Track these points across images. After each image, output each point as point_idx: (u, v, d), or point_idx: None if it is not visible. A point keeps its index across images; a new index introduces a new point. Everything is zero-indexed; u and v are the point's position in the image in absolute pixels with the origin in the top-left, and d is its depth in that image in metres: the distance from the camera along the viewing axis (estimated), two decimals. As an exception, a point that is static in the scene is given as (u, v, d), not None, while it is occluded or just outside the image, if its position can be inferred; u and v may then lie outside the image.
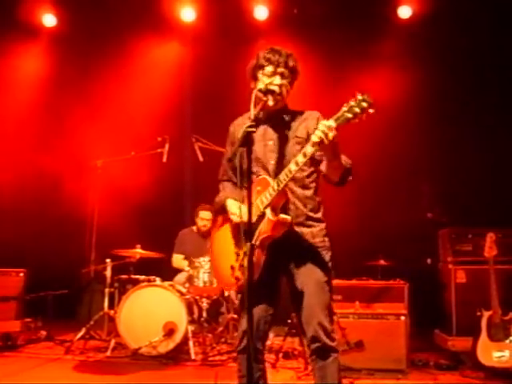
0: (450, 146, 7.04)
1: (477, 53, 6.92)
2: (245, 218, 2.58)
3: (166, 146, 6.10)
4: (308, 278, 2.88)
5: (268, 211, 2.78)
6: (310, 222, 2.94)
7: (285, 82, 2.95)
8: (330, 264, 2.95)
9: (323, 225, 2.99)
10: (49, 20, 7.80)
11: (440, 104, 7.08)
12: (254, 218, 2.77)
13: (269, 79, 2.93)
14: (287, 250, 2.88)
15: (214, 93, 7.43)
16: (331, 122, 2.54)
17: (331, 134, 2.53)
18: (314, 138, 2.57)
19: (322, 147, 2.60)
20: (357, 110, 2.49)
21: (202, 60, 7.66)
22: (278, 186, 2.74)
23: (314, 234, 2.94)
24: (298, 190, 2.94)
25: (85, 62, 7.65)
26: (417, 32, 7.24)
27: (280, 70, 2.93)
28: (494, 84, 6.89)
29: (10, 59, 7.89)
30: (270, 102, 2.89)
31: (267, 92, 2.84)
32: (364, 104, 2.48)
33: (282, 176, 2.73)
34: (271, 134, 2.99)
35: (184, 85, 7.79)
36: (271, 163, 2.94)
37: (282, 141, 2.95)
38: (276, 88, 2.89)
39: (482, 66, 6.97)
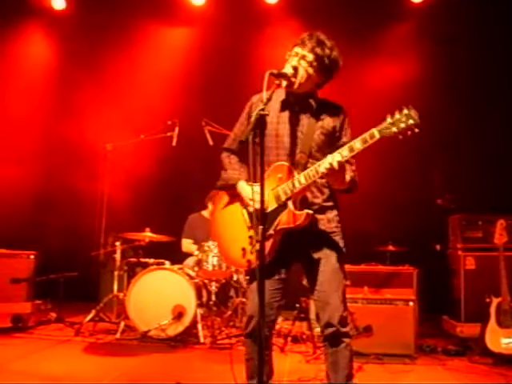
0: (461, 132, 6.98)
1: (492, 37, 6.82)
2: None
3: (176, 130, 6.08)
4: (323, 263, 2.88)
5: (290, 204, 2.79)
6: (326, 209, 2.94)
7: (304, 65, 2.84)
8: (344, 249, 2.96)
9: (337, 211, 2.99)
10: (58, 3, 7.76)
11: (452, 89, 6.99)
12: (274, 206, 2.82)
13: (290, 59, 2.87)
14: (302, 236, 2.86)
15: (224, 76, 7.39)
16: (339, 157, 2.60)
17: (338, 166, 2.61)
18: (325, 165, 2.64)
19: (329, 174, 2.67)
20: (403, 125, 2.47)
21: (211, 43, 7.61)
22: (306, 181, 2.74)
23: (330, 219, 2.94)
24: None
25: (94, 45, 7.64)
26: (429, 16, 7.14)
27: (303, 52, 2.85)
28: (510, 68, 6.80)
29: (20, 42, 7.89)
30: (284, 83, 2.80)
31: (279, 75, 2.76)
32: (411, 121, 2.46)
33: (311, 172, 2.73)
34: (298, 119, 2.94)
35: (194, 68, 7.75)
36: (293, 149, 2.89)
37: (308, 128, 2.91)
38: (288, 70, 2.80)
39: (496, 50, 6.87)
